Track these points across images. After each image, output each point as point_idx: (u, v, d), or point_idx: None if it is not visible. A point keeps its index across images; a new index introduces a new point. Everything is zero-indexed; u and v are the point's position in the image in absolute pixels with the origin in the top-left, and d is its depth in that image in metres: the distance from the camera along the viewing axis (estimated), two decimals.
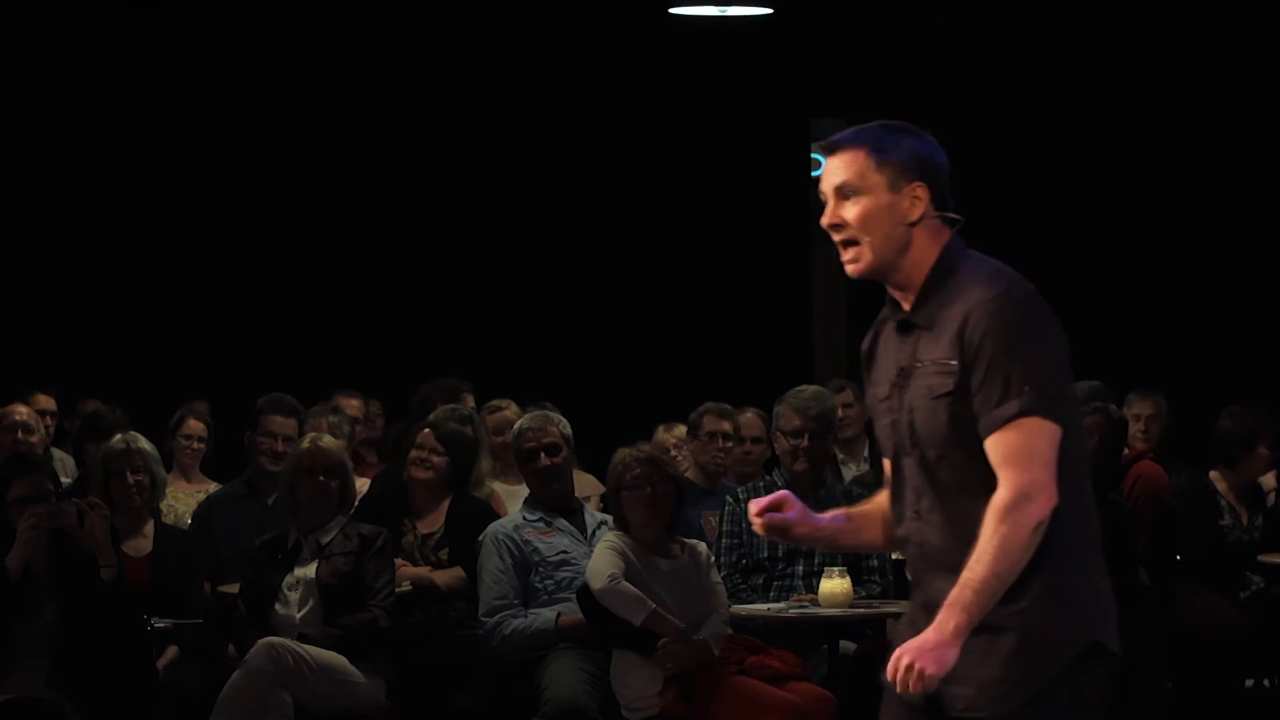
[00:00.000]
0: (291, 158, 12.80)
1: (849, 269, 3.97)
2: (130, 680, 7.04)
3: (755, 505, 4.05)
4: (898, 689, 3.76)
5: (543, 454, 7.82)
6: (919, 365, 3.90)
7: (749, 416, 9.19)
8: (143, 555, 7.89)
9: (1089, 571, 3.88)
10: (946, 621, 3.72)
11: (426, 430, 8.15)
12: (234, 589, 7.73)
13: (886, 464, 4.04)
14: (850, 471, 9.79)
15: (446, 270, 12.76)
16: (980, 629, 3.75)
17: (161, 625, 7.53)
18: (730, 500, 7.98)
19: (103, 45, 12.57)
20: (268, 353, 12.12)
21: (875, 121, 4.07)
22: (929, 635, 3.72)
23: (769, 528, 4.03)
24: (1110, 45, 12.51)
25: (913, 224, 3.92)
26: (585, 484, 9.03)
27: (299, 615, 7.41)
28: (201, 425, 9.29)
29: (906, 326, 3.96)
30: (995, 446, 3.76)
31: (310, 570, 7.47)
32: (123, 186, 12.73)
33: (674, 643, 7.02)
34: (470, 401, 9.76)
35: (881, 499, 4.09)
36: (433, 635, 7.80)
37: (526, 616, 7.51)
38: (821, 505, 7.83)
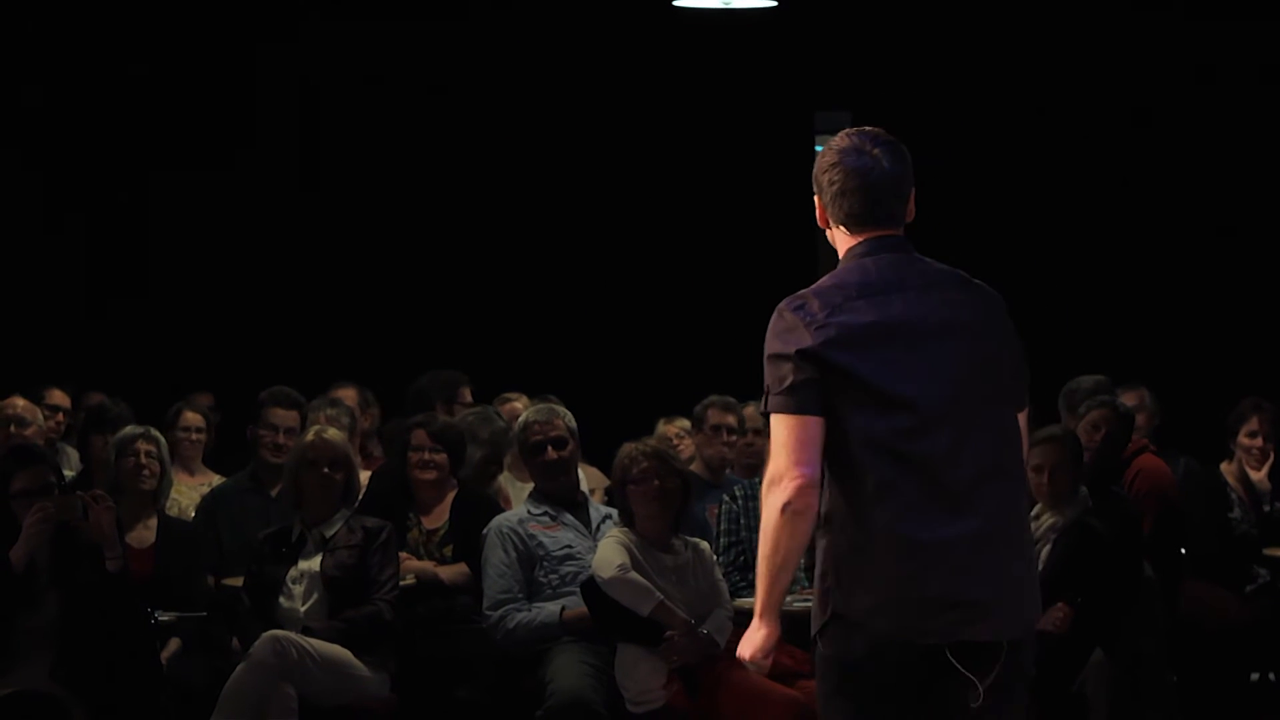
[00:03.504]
0: (293, 151, 12.79)
1: None
2: (134, 673, 7.03)
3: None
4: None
5: (550, 447, 7.82)
6: None
7: (750, 409, 9.20)
8: (146, 547, 7.89)
9: (869, 555, 4.17)
10: (756, 609, 4.28)
11: (419, 430, 8.15)
12: (238, 582, 7.72)
13: None
14: None
15: (449, 263, 12.75)
16: None
17: (165, 618, 7.52)
18: (727, 499, 7.97)
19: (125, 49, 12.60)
20: (271, 346, 12.12)
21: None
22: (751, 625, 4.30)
23: None
24: (1108, 39, 12.50)
25: (827, 229, 4.47)
26: (589, 477, 9.03)
27: (303, 608, 7.40)
28: (198, 416, 9.28)
29: None
30: None
31: (314, 564, 7.46)
32: (129, 184, 12.73)
33: (679, 636, 7.01)
34: (468, 395, 9.76)
35: None
36: (437, 629, 7.79)
37: (531, 610, 7.50)
38: None
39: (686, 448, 9.34)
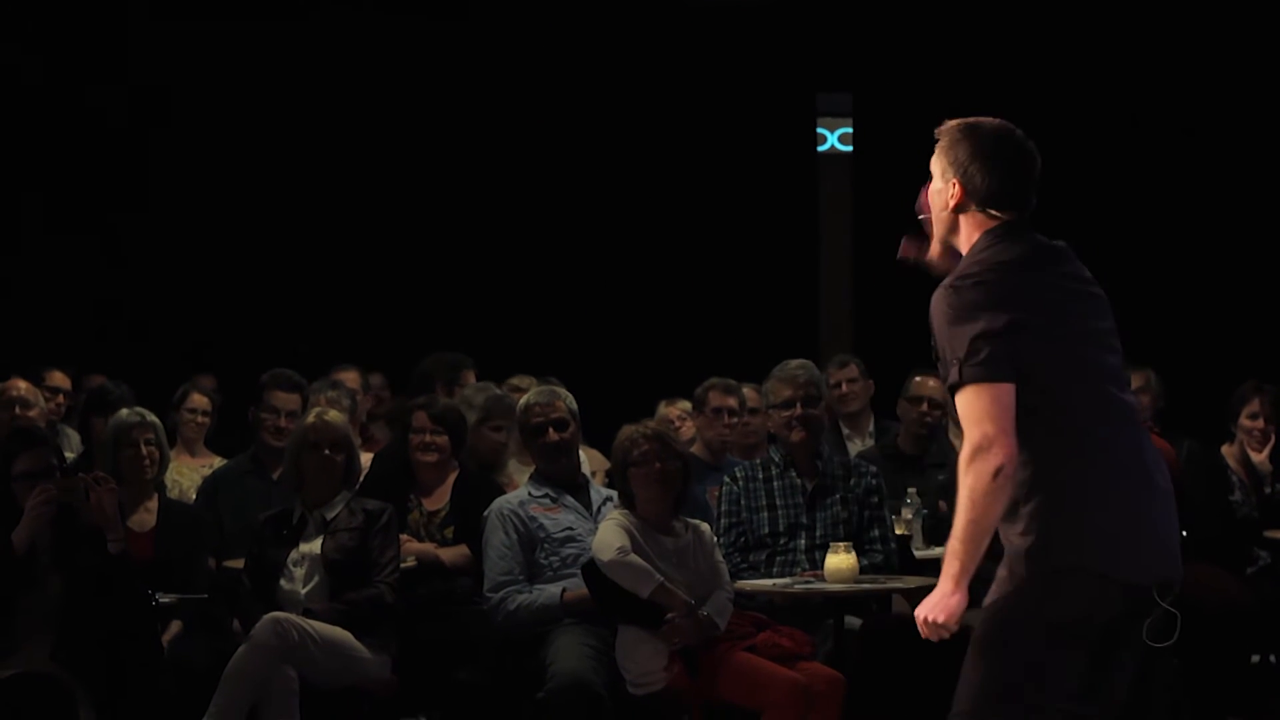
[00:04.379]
0: (294, 134, 12.78)
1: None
2: (135, 655, 7.02)
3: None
4: (932, 638, 4.40)
5: (550, 429, 7.81)
6: None
7: (748, 390, 9.21)
8: (147, 530, 7.89)
9: (1085, 502, 4.38)
10: (946, 574, 4.35)
11: (420, 412, 8.16)
12: (239, 564, 7.72)
13: None
14: (855, 446, 9.78)
15: (451, 245, 12.75)
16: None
17: (166, 600, 7.52)
18: (728, 480, 7.96)
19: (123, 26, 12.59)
20: (273, 329, 12.12)
21: (968, 119, 4.62)
22: (936, 590, 4.37)
23: None
24: (1111, 22, 12.48)
25: (954, 211, 4.58)
26: (589, 460, 9.02)
27: (304, 591, 7.41)
28: (205, 399, 9.30)
29: None
30: (956, 410, 4.40)
31: (316, 546, 7.46)
32: (130, 165, 12.73)
33: (680, 618, 7.01)
34: (472, 378, 9.77)
35: None
36: (438, 611, 7.80)
37: (531, 592, 7.50)
38: (820, 476, 7.87)
39: (688, 430, 9.34)
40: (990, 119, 4.61)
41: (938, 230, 4.63)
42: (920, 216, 4.66)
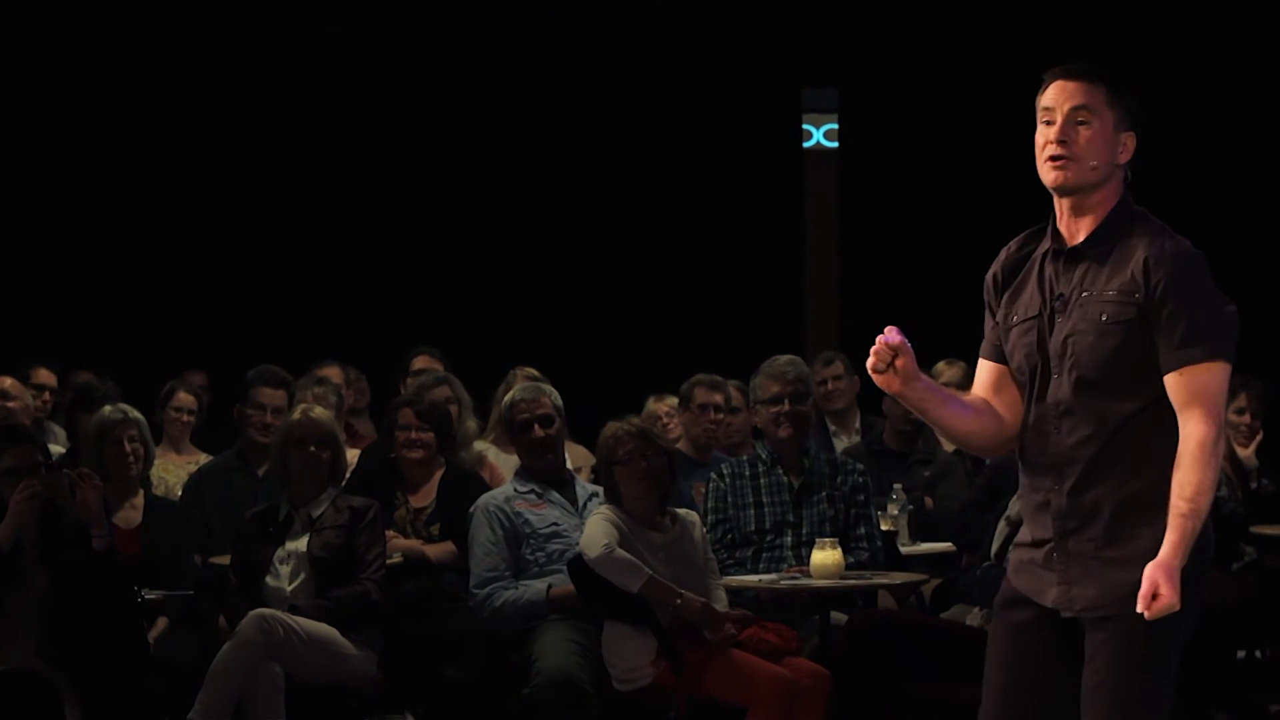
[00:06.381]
0: (283, 130, 12.76)
1: (1055, 175, 4.37)
2: (121, 651, 7.02)
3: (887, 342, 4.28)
4: (1148, 614, 4.05)
5: (536, 425, 7.81)
6: (1085, 294, 4.28)
7: (735, 389, 9.21)
8: (133, 527, 7.88)
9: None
10: (1181, 548, 4.05)
11: (406, 409, 8.16)
12: (225, 560, 7.71)
13: (987, 369, 4.45)
14: (841, 443, 9.78)
15: (437, 241, 12.74)
16: (1110, 541, 4.20)
17: (152, 597, 7.51)
18: (714, 477, 7.95)
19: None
20: (259, 325, 12.10)
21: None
22: (1169, 562, 4.04)
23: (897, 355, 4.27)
24: (1095, 13, 12.48)
25: (1118, 165, 4.36)
26: (575, 455, 9.02)
27: (290, 588, 7.40)
28: (191, 397, 9.29)
29: (1074, 257, 4.35)
30: (1182, 384, 4.16)
31: (301, 544, 7.45)
32: (122, 158, 12.71)
33: (679, 603, 6.99)
34: (422, 361, 9.83)
35: (971, 397, 4.47)
36: (424, 607, 7.79)
37: (517, 588, 7.50)
38: (807, 474, 7.87)
39: (677, 426, 9.34)
40: None
41: (1085, 175, 4.34)
42: (1065, 153, 4.34)
